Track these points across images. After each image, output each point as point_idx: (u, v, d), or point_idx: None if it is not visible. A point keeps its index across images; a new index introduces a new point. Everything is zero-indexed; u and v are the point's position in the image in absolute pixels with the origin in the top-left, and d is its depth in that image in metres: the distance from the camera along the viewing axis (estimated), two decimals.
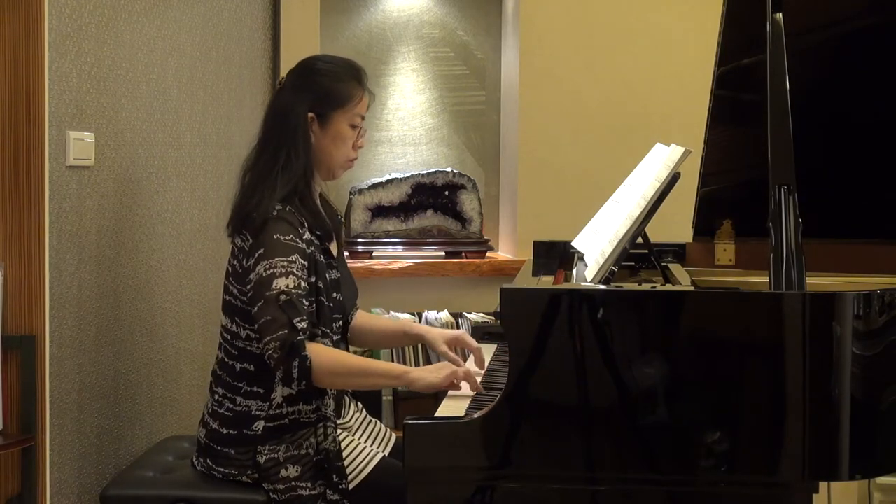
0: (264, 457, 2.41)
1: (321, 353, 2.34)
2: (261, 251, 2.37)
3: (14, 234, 2.46)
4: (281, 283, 2.33)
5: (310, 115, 2.48)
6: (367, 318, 2.80)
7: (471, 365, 2.60)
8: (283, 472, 2.41)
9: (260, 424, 2.42)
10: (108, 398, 2.79)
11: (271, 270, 2.34)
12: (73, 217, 2.59)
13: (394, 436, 2.68)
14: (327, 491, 2.41)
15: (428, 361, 3.80)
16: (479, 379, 2.48)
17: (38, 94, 2.43)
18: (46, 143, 2.46)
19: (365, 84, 2.55)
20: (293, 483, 2.40)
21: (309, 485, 2.41)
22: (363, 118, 2.55)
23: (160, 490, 2.49)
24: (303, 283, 2.36)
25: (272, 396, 2.43)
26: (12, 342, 2.45)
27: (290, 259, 2.36)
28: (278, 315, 2.31)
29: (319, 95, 2.49)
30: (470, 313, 3.89)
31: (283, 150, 2.46)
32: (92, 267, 2.69)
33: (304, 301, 2.36)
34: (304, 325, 2.32)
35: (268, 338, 2.32)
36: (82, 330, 2.65)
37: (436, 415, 2.25)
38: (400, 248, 4.06)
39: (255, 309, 2.36)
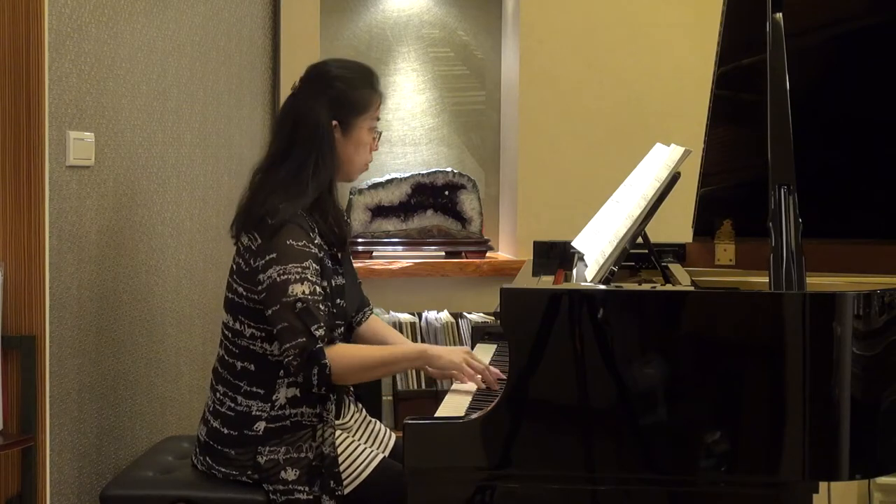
0: (265, 457, 2.42)
1: (340, 355, 2.37)
2: (273, 255, 2.38)
3: (14, 234, 2.46)
4: (297, 290, 2.34)
5: (333, 122, 2.50)
6: (376, 325, 2.79)
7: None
8: (283, 475, 2.41)
9: (261, 425, 2.43)
10: (108, 398, 2.79)
11: (285, 276, 2.35)
12: (73, 217, 2.59)
13: (394, 436, 2.68)
14: (324, 496, 2.41)
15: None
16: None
17: (38, 94, 2.44)
18: (46, 143, 2.46)
19: (378, 88, 2.59)
20: (291, 486, 2.41)
21: (306, 489, 2.41)
22: (378, 120, 2.60)
23: (160, 490, 2.49)
24: (318, 289, 2.38)
25: (274, 398, 2.43)
26: (12, 342, 2.45)
27: (303, 265, 2.37)
28: (295, 322, 2.33)
29: (341, 103, 2.51)
30: (470, 313, 3.89)
31: (311, 157, 2.47)
32: (92, 267, 2.69)
33: (321, 306, 2.38)
34: (321, 332, 2.34)
35: (287, 345, 2.35)
36: (82, 330, 2.65)
37: (436, 415, 2.25)
38: (400, 248, 4.06)
39: (270, 312, 2.38)
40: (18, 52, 2.43)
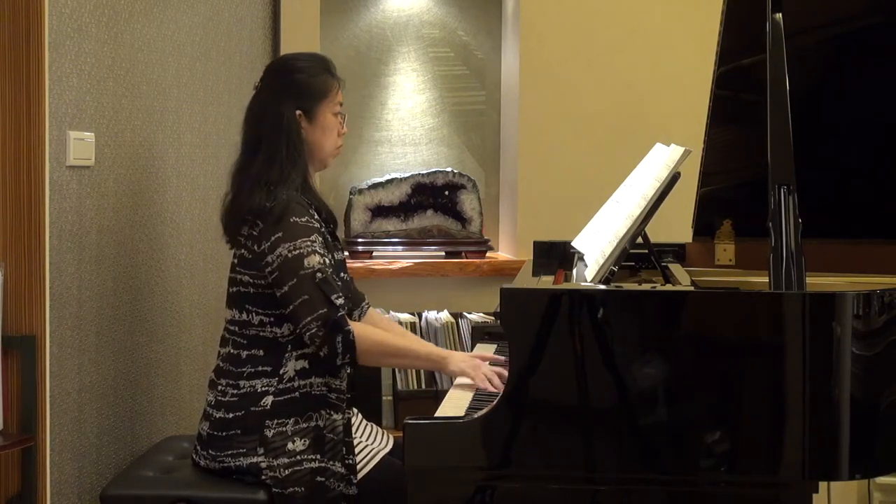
0: (272, 430, 2.44)
1: (362, 332, 2.43)
2: (278, 235, 2.43)
3: (14, 234, 2.46)
4: (313, 261, 2.40)
5: (297, 112, 2.56)
6: (376, 320, 2.82)
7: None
8: (290, 446, 2.43)
9: (268, 399, 2.46)
10: (108, 398, 2.79)
11: (297, 251, 2.41)
12: (73, 217, 2.59)
13: (392, 438, 2.68)
14: (335, 464, 2.43)
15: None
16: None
17: (38, 94, 2.43)
18: (46, 143, 2.46)
19: (336, 74, 2.66)
20: (298, 457, 2.42)
21: (318, 457, 2.43)
22: (342, 105, 2.65)
23: (160, 490, 2.49)
24: (328, 260, 2.45)
25: (282, 371, 2.47)
26: (12, 342, 2.45)
27: (311, 238, 2.43)
28: (315, 293, 2.39)
29: (302, 92, 2.58)
30: (470, 313, 3.89)
31: (281, 147, 2.52)
32: (92, 267, 2.69)
33: (335, 277, 2.44)
34: (341, 301, 2.40)
35: (308, 318, 2.39)
36: (82, 330, 2.65)
37: (436, 415, 2.25)
38: (400, 248, 4.06)
39: (286, 289, 2.42)
40: (18, 52, 2.43)
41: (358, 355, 2.42)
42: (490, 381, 2.44)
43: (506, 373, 2.44)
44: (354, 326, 2.41)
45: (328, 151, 2.63)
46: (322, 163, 2.65)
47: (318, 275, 2.39)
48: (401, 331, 2.86)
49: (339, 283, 2.46)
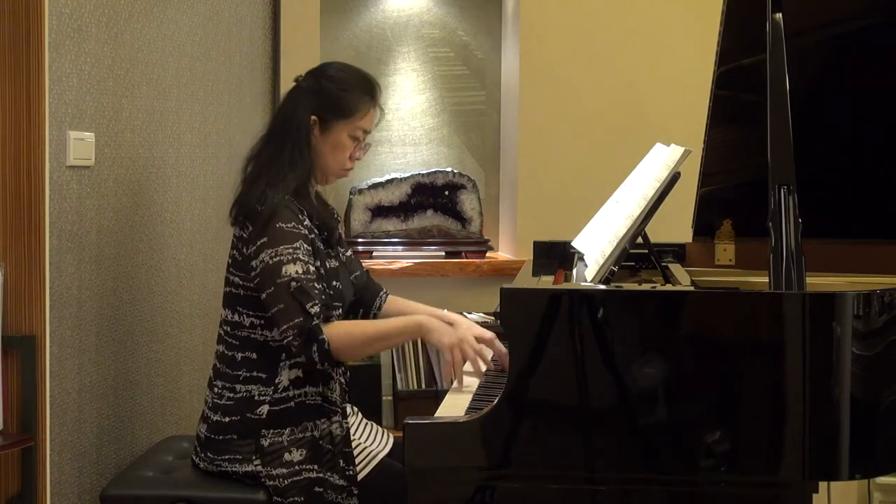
0: (268, 440, 2.43)
1: (338, 332, 2.40)
2: (263, 240, 2.42)
3: (14, 234, 2.46)
4: (290, 270, 2.38)
5: (313, 118, 2.53)
6: (395, 304, 2.81)
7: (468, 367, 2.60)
8: (287, 456, 2.42)
9: (264, 409, 2.45)
10: (108, 398, 2.79)
11: (277, 258, 2.39)
12: (73, 217, 2.59)
13: (392, 437, 2.68)
14: (334, 475, 2.42)
15: (426, 357, 3.80)
16: (476, 382, 2.49)
17: (38, 94, 2.43)
18: (46, 143, 2.46)
19: (377, 99, 2.59)
20: (297, 467, 2.42)
21: (315, 467, 2.42)
22: (367, 132, 2.59)
23: (160, 490, 2.49)
24: (310, 268, 2.42)
25: (277, 381, 2.46)
26: (12, 342, 2.45)
27: (294, 245, 2.41)
28: (291, 302, 2.37)
29: (325, 101, 2.55)
30: (470, 313, 3.89)
31: (287, 146, 2.52)
32: (92, 267, 2.69)
33: (315, 285, 2.41)
34: (316, 309, 2.38)
35: (284, 326, 2.38)
36: (82, 330, 2.65)
37: (436, 415, 2.25)
38: (400, 248, 4.06)
39: (265, 296, 2.42)
40: (18, 52, 2.43)
41: (337, 357, 2.42)
42: (462, 365, 2.41)
43: (482, 360, 2.44)
44: (328, 330, 2.38)
45: (331, 169, 2.59)
46: (323, 176, 2.60)
47: (293, 283, 2.37)
48: (425, 309, 2.82)
49: (320, 290, 2.42)
